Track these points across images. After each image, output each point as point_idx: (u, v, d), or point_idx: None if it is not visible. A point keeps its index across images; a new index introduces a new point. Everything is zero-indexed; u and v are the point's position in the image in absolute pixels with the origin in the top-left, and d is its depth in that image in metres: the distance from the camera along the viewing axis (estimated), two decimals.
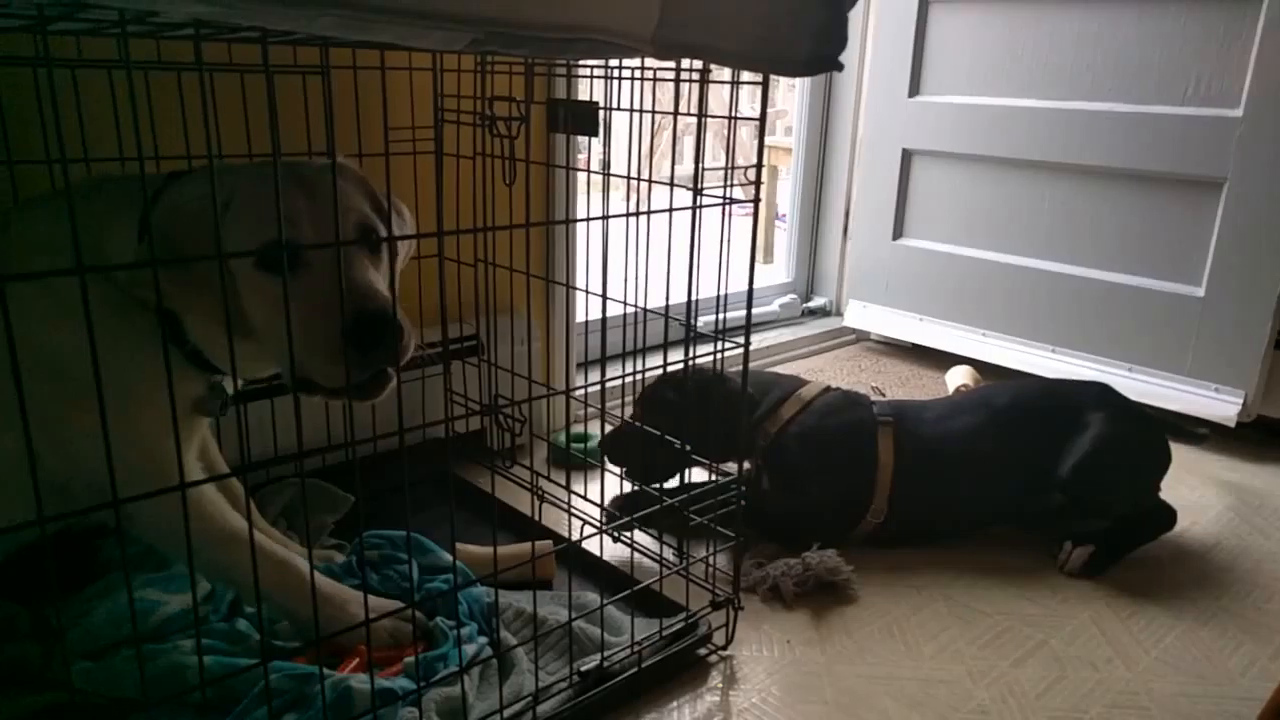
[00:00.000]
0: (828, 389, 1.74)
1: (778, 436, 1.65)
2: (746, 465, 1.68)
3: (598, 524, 1.56)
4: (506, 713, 1.11)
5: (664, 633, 1.29)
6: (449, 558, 1.36)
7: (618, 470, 1.67)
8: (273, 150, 0.91)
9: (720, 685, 1.30)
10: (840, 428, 1.66)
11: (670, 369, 1.54)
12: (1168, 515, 1.73)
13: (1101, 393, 1.74)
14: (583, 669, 1.19)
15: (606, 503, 1.64)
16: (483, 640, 1.23)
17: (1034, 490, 1.68)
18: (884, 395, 1.77)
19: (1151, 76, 2.23)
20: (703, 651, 1.35)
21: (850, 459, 1.65)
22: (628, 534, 1.56)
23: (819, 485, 1.63)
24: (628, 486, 1.68)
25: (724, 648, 1.36)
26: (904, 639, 1.42)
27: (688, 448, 1.43)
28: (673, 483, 1.68)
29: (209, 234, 0.92)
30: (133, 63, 1.24)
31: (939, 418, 1.72)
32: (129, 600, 0.85)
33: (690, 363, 1.40)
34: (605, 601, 1.28)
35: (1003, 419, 1.69)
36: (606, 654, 1.22)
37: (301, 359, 0.96)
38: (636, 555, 1.51)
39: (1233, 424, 2.15)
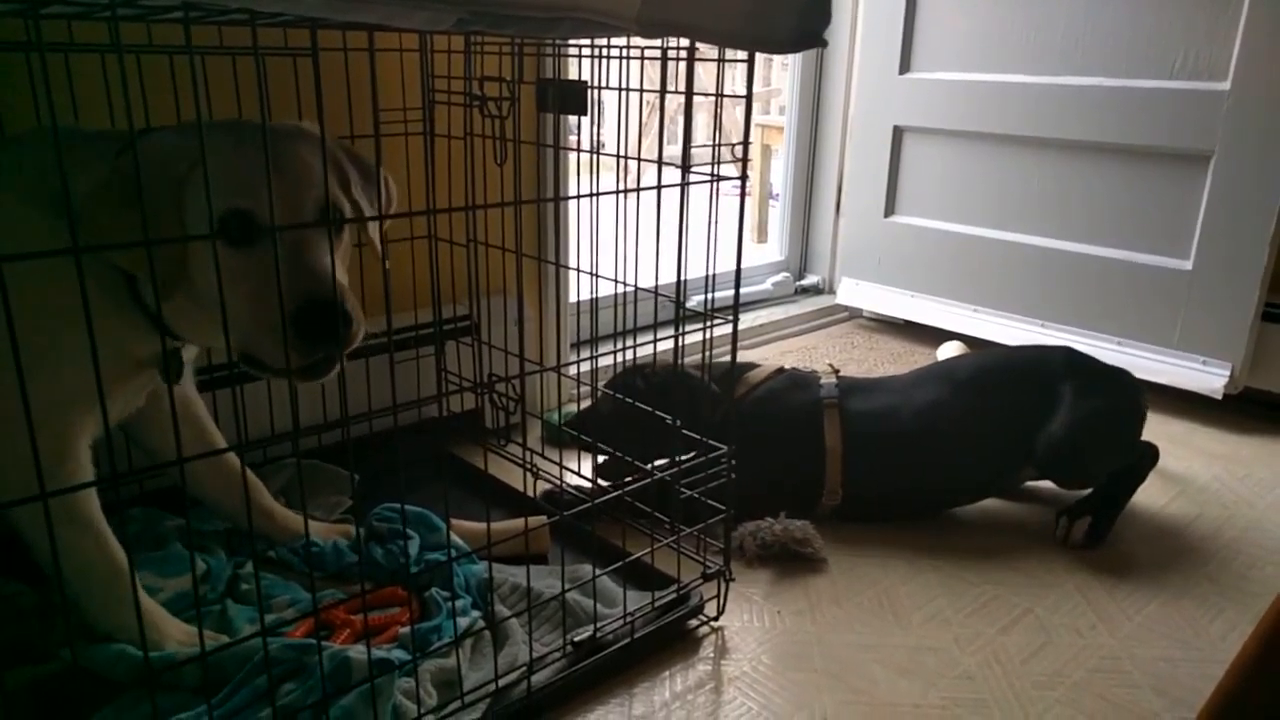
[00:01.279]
0: (780, 370, 1.74)
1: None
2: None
3: (589, 498, 1.58)
4: (501, 682, 1.13)
5: (656, 604, 1.31)
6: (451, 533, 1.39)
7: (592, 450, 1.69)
8: (263, 133, 0.92)
9: (712, 655, 1.32)
10: (778, 412, 1.67)
11: (659, 349, 1.56)
12: (1150, 455, 1.74)
13: (1068, 360, 1.72)
14: (576, 639, 1.22)
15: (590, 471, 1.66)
16: (477, 614, 1.26)
17: (1002, 465, 1.69)
18: (838, 373, 1.74)
19: (1140, 51, 2.24)
20: (694, 622, 1.38)
21: (788, 443, 1.65)
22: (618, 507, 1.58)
23: (753, 467, 1.62)
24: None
25: (715, 618, 1.39)
26: (893, 609, 1.44)
27: (678, 423, 1.45)
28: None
29: (172, 186, 0.91)
30: (125, 46, 1.25)
31: (894, 395, 1.70)
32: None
33: (679, 341, 1.41)
34: (598, 573, 1.30)
35: (964, 393, 1.68)
36: (600, 625, 1.24)
37: (248, 335, 0.96)
38: (629, 530, 1.54)
39: (1220, 396, 2.17)
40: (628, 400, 1.53)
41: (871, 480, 1.65)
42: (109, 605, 1.10)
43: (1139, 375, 2.24)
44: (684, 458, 1.39)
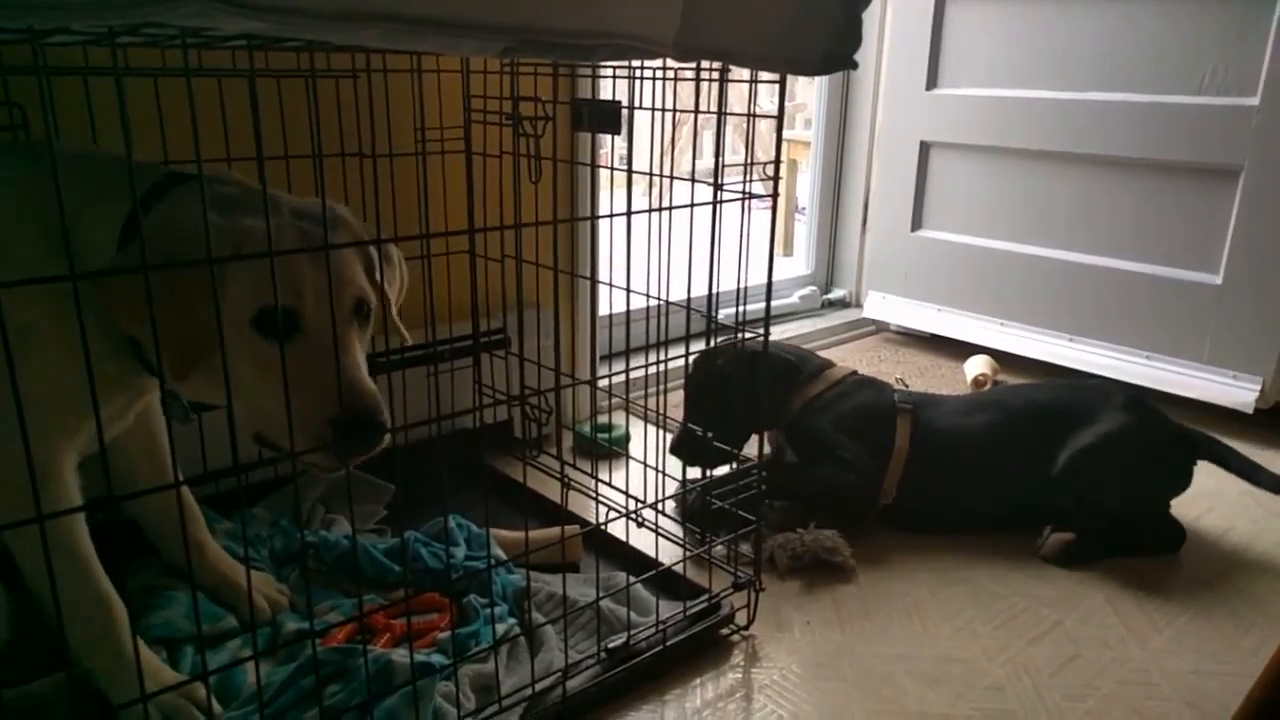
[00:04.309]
0: (854, 372, 1.82)
1: (802, 409, 1.73)
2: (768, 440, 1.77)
3: (623, 509, 1.61)
4: (537, 687, 1.16)
5: (688, 613, 1.34)
6: (491, 542, 1.42)
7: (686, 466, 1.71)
8: (314, 151, 0.96)
9: (742, 663, 1.34)
10: (862, 407, 1.73)
11: (697, 355, 1.58)
12: (1174, 535, 1.69)
13: (1122, 395, 1.70)
14: (610, 646, 1.25)
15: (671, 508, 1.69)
16: (514, 620, 1.29)
17: (1043, 492, 1.67)
18: (907, 386, 1.81)
19: (1168, 66, 2.25)
20: (725, 631, 1.40)
21: (869, 438, 1.70)
22: (652, 519, 1.61)
23: (838, 459, 1.68)
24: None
25: (746, 628, 1.41)
26: (921, 620, 1.46)
27: (709, 435, 1.48)
28: (694, 471, 1.73)
29: (208, 272, 0.86)
30: (176, 70, 1.30)
31: (956, 413, 1.75)
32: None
33: (740, 339, 1.44)
34: (631, 581, 1.33)
35: (1016, 421, 1.71)
36: (633, 633, 1.27)
37: (277, 427, 0.94)
38: (661, 540, 1.56)
39: (1250, 411, 2.17)
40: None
41: (925, 490, 1.69)
42: (88, 642, 1.03)
43: (1168, 390, 2.26)
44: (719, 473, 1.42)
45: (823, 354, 2.79)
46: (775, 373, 1.72)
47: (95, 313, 0.94)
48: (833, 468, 1.67)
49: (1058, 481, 1.65)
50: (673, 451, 1.69)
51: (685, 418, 1.73)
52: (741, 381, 1.62)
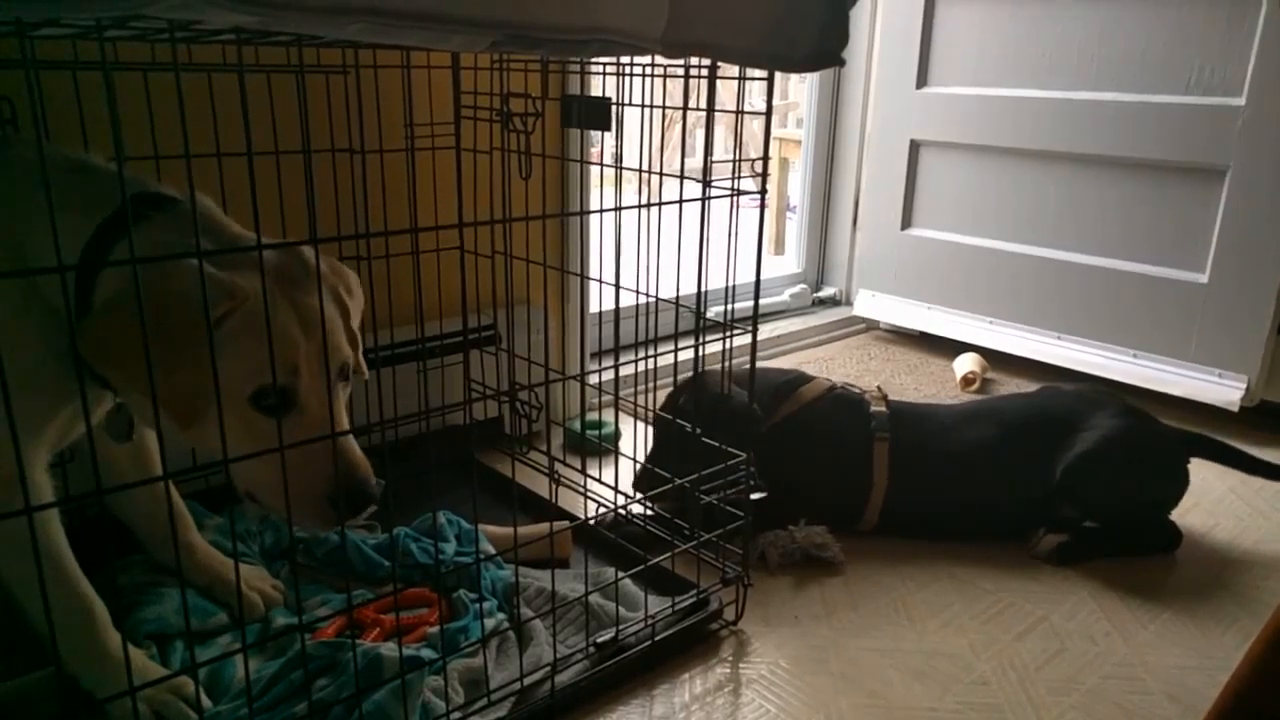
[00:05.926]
0: (831, 389, 1.73)
1: (766, 432, 1.66)
2: None
3: (612, 505, 1.61)
4: (526, 681, 1.17)
5: (676, 608, 1.34)
6: (481, 538, 1.42)
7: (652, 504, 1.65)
8: (304, 146, 0.96)
9: (730, 657, 1.35)
10: (827, 438, 1.67)
11: (679, 358, 1.59)
12: (1170, 537, 1.69)
13: (1111, 401, 1.70)
14: (599, 641, 1.25)
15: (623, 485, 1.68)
16: (503, 615, 1.29)
17: (1038, 503, 1.66)
18: (887, 399, 1.72)
19: (1155, 66, 2.26)
20: (714, 626, 1.40)
21: (830, 474, 1.66)
22: (640, 515, 1.61)
23: (795, 484, 1.65)
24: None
25: (734, 623, 1.42)
26: (909, 615, 1.47)
27: (697, 430, 1.48)
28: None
29: (200, 327, 0.83)
30: (165, 65, 1.30)
31: (943, 431, 1.69)
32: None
33: (699, 351, 1.43)
34: (620, 576, 1.33)
35: (1011, 436, 1.67)
36: (621, 628, 1.27)
37: (270, 493, 0.94)
38: (650, 535, 1.57)
39: (1236, 409, 2.18)
40: (681, 422, 1.54)
41: (911, 515, 1.67)
42: (67, 642, 0.99)
43: (1155, 388, 2.28)
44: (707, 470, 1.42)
45: (813, 352, 2.82)
46: (735, 418, 1.49)
47: (43, 332, 0.94)
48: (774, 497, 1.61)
49: (1058, 491, 1.63)
50: (635, 488, 1.65)
51: (649, 459, 1.67)
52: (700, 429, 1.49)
